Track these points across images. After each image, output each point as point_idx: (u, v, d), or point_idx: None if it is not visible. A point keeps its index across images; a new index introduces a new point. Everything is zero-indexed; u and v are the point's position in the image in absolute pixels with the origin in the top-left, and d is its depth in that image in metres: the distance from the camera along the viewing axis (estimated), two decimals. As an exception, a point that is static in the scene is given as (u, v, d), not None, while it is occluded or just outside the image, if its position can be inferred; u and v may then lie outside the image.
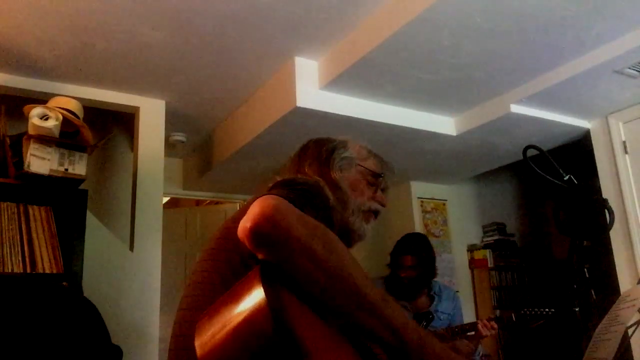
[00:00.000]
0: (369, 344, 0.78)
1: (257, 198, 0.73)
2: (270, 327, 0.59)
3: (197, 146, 4.61)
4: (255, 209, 0.69)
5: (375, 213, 1.20)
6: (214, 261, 0.94)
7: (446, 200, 5.13)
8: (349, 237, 1.13)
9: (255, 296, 0.62)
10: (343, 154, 1.19)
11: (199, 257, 0.99)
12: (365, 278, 0.73)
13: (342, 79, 3.02)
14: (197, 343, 0.64)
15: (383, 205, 1.21)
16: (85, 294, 2.36)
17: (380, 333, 0.72)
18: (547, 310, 2.41)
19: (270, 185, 0.94)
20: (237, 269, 0.87)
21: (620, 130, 3.51)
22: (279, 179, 0.98)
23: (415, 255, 2.67)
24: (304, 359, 0.61)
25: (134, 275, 3.21)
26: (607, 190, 3.52)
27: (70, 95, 2.93)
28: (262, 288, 0.62)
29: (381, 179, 1.21)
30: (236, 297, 0.65)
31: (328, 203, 0.94)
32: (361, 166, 1.20)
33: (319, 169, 1.16)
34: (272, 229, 0.68)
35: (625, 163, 3.47)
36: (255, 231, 0.68)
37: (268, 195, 0.73)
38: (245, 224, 0.69)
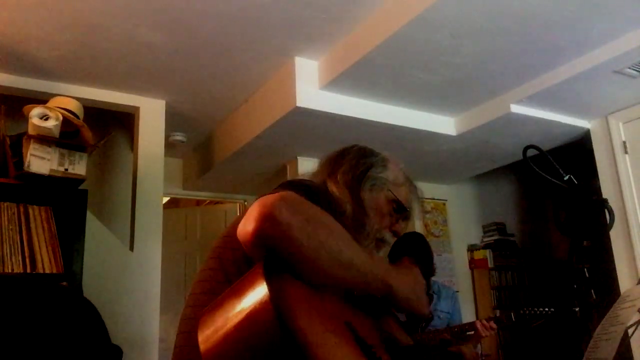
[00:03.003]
0: (370, 341, 0.79)
1: (258, 198, 0.74)
2: (273, 324, 0.59)
3: (197, 146, 4.61)
4: (253, 210, 0.71)
5: (385, 242, 1.17)
6: (219, 259, 0.95)
7: (446, 200, 5.13)
8: None
9: (259, 292, 0.63)
10: (379, 174, 1.15)
11: (206, 255, 1.00)
12: (360, 250, 0.83)
13: (342, 79, 3.02)
14: (201, 338, 0.65)
15: (397, 236, 1.18)
16: (85, 294, 2.36)
17: (380, 292, 0.87)
18: (546, 309, 2.42)
19: (276, 186, 0.94)
20: (241, 267, 0.88)
21: (620, 130, 3.51)
22: (289, 178, 0.99)
23: (413, 256, 2.67)
24: (306, 354, 0.61)
25: (134, 275, 3.21)
26: (607, 190, 3.52)
27: (70, 95, 2.93)
28: (265, 284, 0.63)
29: (406, 212, 1.18)
30: (239, 292, 0.66)
31: (332, 208, 0.95)
32: (391, 193, 1.16)
33: (351, 181, 1.13)
34: (272, 228, 0.69)
35: (625, 163, 3.47)
36: (258, 234, 0.70)
37: (266, 196, 0.75)
38: (246, 227, 0.70)
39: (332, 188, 1.08)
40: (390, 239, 1.17)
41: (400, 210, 1.17)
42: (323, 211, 0.79)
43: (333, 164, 1.18)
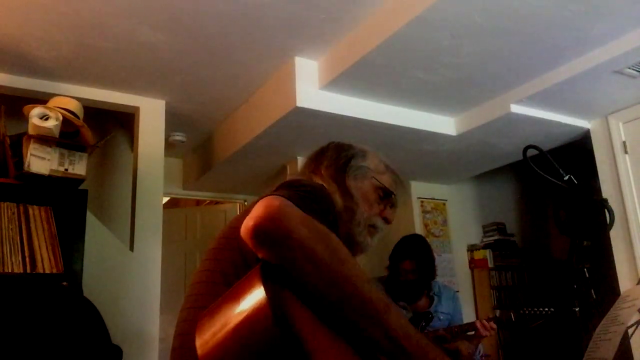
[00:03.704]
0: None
1: (262, 198, 0.73)
2: (271, 326, 0.59)
3: (197, 146, 4.61)
4: (258, 209, 0.70)
5: (377, 228, 1.19)
6: (216, 260, 0.95)
7: (446, 200, 5.12)
8: (352, 247, 1.11)
9: (256, 295, 0.62)
10: (360, 163, 1.19)
11: (203, 256, 0.99)
12: (369, 284, 0.73)
13: (342, 79, 3.02)
14: (198, 342, 0.64)
15: (388, 223, 1.20)
16: (85, 294, 2.36)
17: (381, 341, 0.71)
18: (546, 309, 2.41)
19: (276, 186, 0.94)
20: (240, 268, 0.87)
21: (620, 130, 3.51)
22: (288, 179, 0.99)
23: (415, 260, 2.66)
24: (304, 358, 0.61)
25: (134, 275, 3.21)
26: (607, 190, 3.51)
27: (70, 95, 2.93)
28: (262, 287, 0.62)
29: (393, 197, 1.20)
30: (237, 295, 0.66)
31: (333, 209, 0.94)
32: (376, 179, 1.19)
33: (335, 173, 1.16)
34: (274, 228, 0.68)
35: (625, 163, 3.46)
36: (258, 229, 0.68)
37: (272, 196, 0.74)
38: (248, 222, 0.69)
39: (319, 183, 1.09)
40: (382, 225, 1.19)
41: (387, 196, 1.19)
42: (330, 232, 0.74)
43: (314, 161, 1.22)
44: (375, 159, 1.23)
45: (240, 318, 0.62)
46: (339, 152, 1.21)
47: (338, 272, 0.70)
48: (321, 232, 0.72)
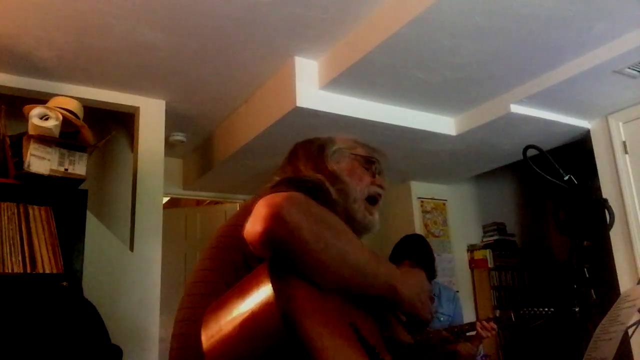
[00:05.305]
0: (372, 342, 0.79)
1: (261, 197, 0.73)
2: (278, 325, 0.59)
3: (197, 146, 4.61)
4: (262, 210, 0.69)
5: (375, 199, 1.20)
6: (215, 260, 0.94)
7: (446, 200, 5.13)
8: (353, 227, 1.12)
9: (263, 292, 0.63)
10: (333, 147, 1.21)
11: (201, 255, 0.99)
12: (366, 251, 0.82)
13: (342, 79, 3.02)
14: (204, 336, 0.65)
15: (383, 188, 1.22)
16: (85, 294, 2.36)
17: (385, 294, 0.85)
18: (546, 309, 2.42)
19: (272, 184, 0.94)
20: (240, 268, 0.87)
21: (620, 130, 3.51)
22: (277, 179, 0.99)
23: (415, 260, 2.65)
24: (311, 356, 0.61)
25: (134, 275, 3.21)
26: (607, 190, 3.51)
27: (70, 95, 2.93)
28: (270, 284, 0.62)
29: (375, 163, 1.23)
30: (244, 291, 0.66)
31: (331, 198, 0.95)
32: (353, 154, 1.21)
33: (315, 165, 1.17)
34: (283, 229, 0.69)
35: (625, 163, 3.47)
36: (268, 234, 0.69)
37: (272, 194, 0.73)
38: (255, 227, 0.69)
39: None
40: (380, 190, 1.21)
41: (370, 163, 1.22)
42: (328, 211, 0.79)
43: (290, 165, 1.22)
44: (342, 139, 1.26)
45: (247, 314, 0.63)
46: (308, 146, 1.23)
47: (350, 258, 0.77)
48: (327, 219, 0.76)
